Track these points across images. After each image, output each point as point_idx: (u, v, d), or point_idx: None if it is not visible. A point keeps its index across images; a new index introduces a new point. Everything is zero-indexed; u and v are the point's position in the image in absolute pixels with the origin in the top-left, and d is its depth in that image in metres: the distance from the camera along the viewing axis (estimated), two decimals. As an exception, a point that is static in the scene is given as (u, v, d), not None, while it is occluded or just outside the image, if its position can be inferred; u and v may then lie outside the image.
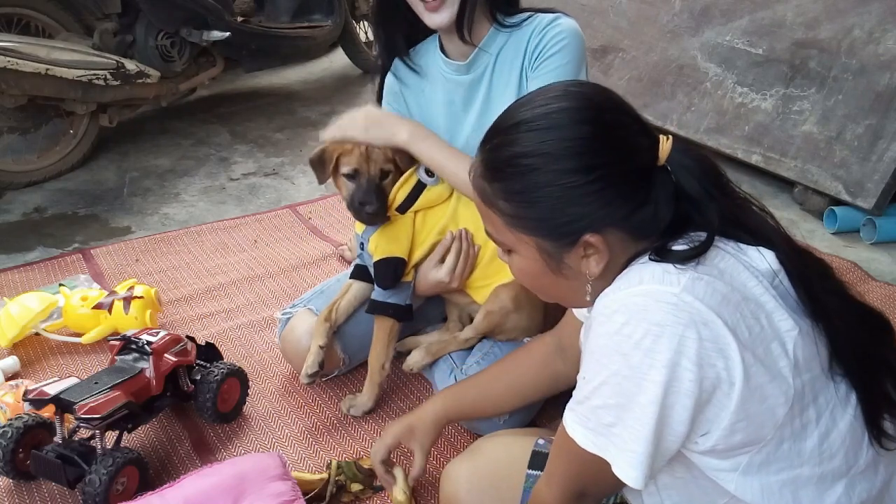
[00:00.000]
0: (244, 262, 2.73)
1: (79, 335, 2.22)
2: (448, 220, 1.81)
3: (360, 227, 1.85)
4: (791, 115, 3.18)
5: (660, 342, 0.89)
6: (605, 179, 0.96)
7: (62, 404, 1.63)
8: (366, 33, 5.05)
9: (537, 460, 1.25)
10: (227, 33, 3.77)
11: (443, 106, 1.85)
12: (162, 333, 1.82)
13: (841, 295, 1.04)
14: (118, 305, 2.20)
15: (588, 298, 1.03)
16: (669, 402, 0.90)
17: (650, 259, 0.96)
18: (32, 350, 2.21)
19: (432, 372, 1.91)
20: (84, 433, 1.70)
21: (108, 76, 3.35)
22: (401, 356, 1.95)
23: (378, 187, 1.74)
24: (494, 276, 1.82)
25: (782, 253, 0.99)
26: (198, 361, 1.90)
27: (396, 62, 1.87)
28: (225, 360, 1.98)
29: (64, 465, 1.59)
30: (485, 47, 1.74)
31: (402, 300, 1.82)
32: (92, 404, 1.58)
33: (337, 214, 3.07)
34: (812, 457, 0.97)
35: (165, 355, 1.78)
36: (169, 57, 3.71)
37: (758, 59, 3.34)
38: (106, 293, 2.27)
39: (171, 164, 3.68)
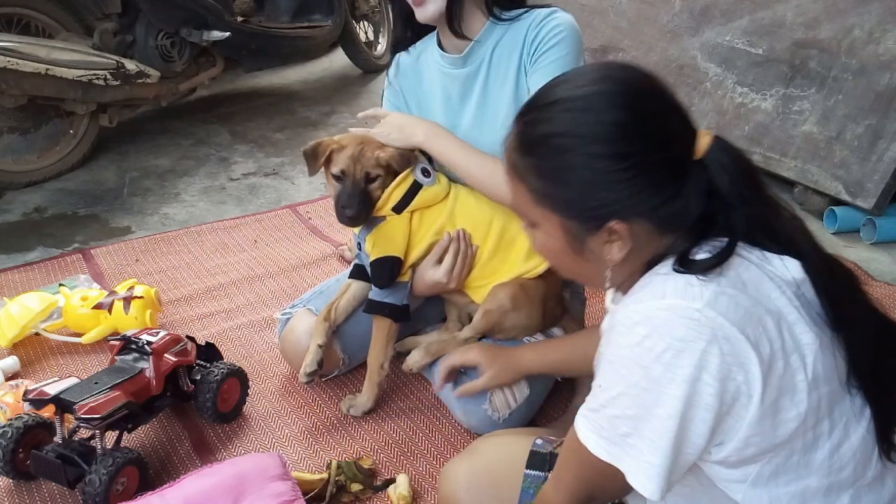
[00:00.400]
0: (244, 262, 2.73)
1: (79, 335, 2.23)
2: (445, 220, 1.81)
3: (357, 227, 1.85)
4: (791, 115, 3.18)
5: (681, 357, 0.88)
6: (637, 168, 0.94)
7: (62, 404, 1.63)
8: (366, 33, 5.05)
9: (535, 460, 1.25)
10: (227, 33, 3.76)
11: (440, 100, 1.86)
12: (162, 333, 1.82)
13: (863, 305, 1.03)
14: (118, 305, 2.20)
15: (606, 283, 1.02)
16: (689, 416, 0.90)
17: (673, 269, 0.94)
18: (32, 350, 2.21)
19: (432, 372, 1.90)
20: (84, 433, 1.70)
21: (108, 76, 3.35)
22: (400, 356, 1.95)
23: (362, 192, 1.74)
24: (492, 276, 1.82)
25: (810, 262, 0.98)
26: (198, 361, 1.90)
27: (399, 57, 1.90)
28: (225, 360, 1.98)
29: (64, 465, 1.59)
30: (481, 40, 1.75)
31: (398, 300, 1.82)
32: (92, 404, 1.59)
33: (337, 214, 3.07)
34: (821, 468, 0.96)
35: (165, 355, 1.79)
36: (169, 57, 3.71)
37: (758, 59, 3.34)
38: (106, 293, 2.28)
39: (171, 164, 3.68)
